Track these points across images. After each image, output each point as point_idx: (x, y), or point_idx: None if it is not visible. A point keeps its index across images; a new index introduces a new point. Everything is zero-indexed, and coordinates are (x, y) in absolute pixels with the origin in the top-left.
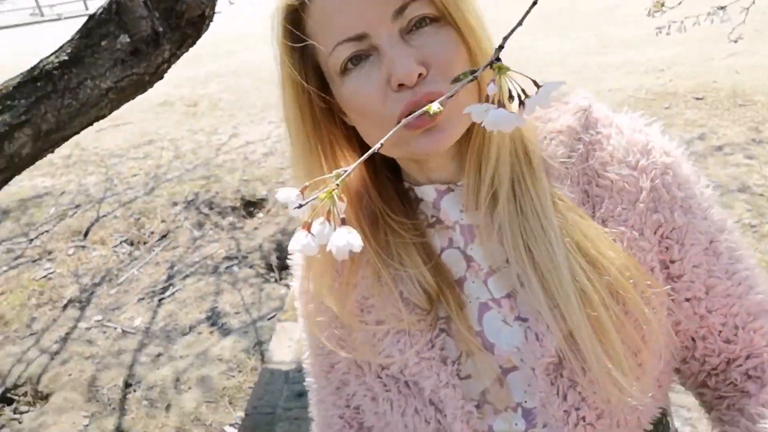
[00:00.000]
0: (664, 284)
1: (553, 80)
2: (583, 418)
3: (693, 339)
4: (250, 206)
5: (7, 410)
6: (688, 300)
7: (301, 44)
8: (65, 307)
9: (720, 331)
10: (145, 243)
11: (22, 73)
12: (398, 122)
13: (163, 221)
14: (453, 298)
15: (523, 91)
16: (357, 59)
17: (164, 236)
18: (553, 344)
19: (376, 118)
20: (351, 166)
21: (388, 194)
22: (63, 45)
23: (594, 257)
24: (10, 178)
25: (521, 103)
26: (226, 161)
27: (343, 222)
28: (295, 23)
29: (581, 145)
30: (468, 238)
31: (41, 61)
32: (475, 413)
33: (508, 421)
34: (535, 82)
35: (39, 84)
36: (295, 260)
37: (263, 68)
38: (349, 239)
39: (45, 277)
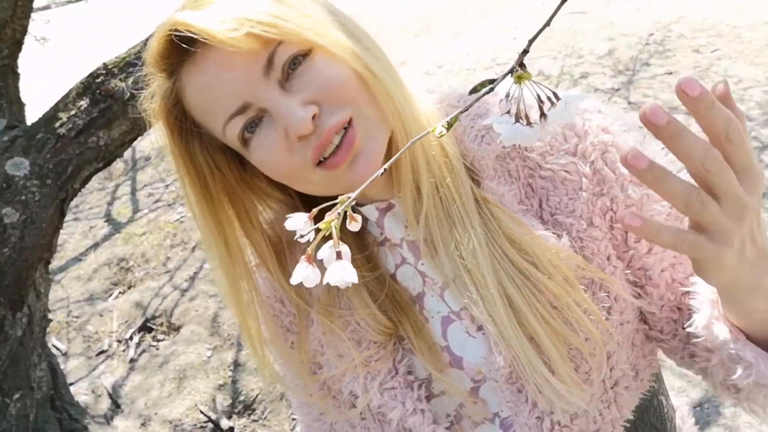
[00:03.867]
0: (629, 266)
1: (573, 93)
2: (558, 423)
3: (678, 308)
4: None
5: (148, 337)
6: (664, 270)
7: (189, 136)
8: (194, 249)
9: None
10: None
11: (141, 41)
12: (315, 165)
13: None
14: (409, 323)
15: (543, 101)
16: (251, 127)
17: None
18: (503, 355)
19: (292, 174)
20: (354, 193)
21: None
22: None
23: (523, 266)
24: (134, 139)
25: (542, 114)
26: None
27: (339, 255)
28: (178, 120)
29: None
30: (416, 255)
31: (142, 49)
32: None
33: None
34: (555, 94)
35: None
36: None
37: None
38: (343, 276)
39: (178, 220)
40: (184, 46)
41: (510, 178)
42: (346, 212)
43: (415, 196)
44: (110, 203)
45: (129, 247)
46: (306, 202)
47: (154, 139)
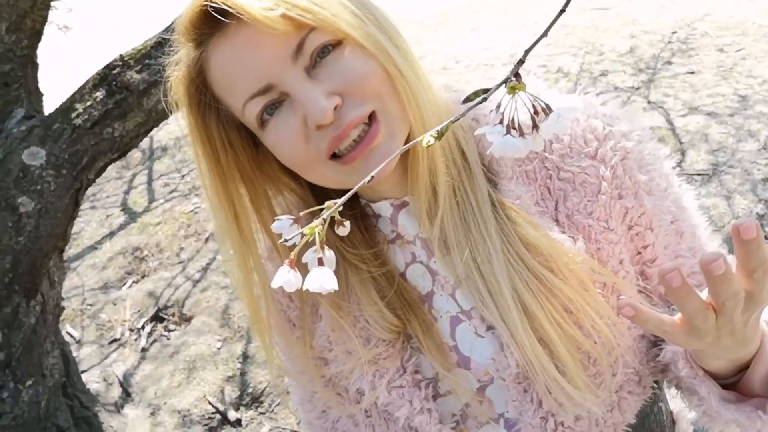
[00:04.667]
0: (637, 272)
1: (566, 105)
2: (562, 423)
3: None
4: None
5: (159, 327)
6: (658, 284)
7: (206, 108)
8: (207, 240)
9: None
10: None
11: (158, 33)
12: (334, 156)
13: None
14: (418, 322)
15: (537, 112)
16: (271, 108)
17: None
18: (514, 356)
19: (305, 162)
20: (341, 200)
21: None
22: None
23: (538, 270)
24: (149, 131)
25: (535, 125)
26: None
27: (320, 262)
28: (199, 91)
29: None
30: (429, 252)
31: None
32: None
33: None
34: (547, 106)
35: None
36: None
37: None
38: (322, 282)
39: (192, 211)
40: (217, 17)
41: (527, 179)
42: (333, 217)
43: (430, 197)
44: (127, 192)
45: (144, 236)
46: (315, 191)
47: (172, 129)
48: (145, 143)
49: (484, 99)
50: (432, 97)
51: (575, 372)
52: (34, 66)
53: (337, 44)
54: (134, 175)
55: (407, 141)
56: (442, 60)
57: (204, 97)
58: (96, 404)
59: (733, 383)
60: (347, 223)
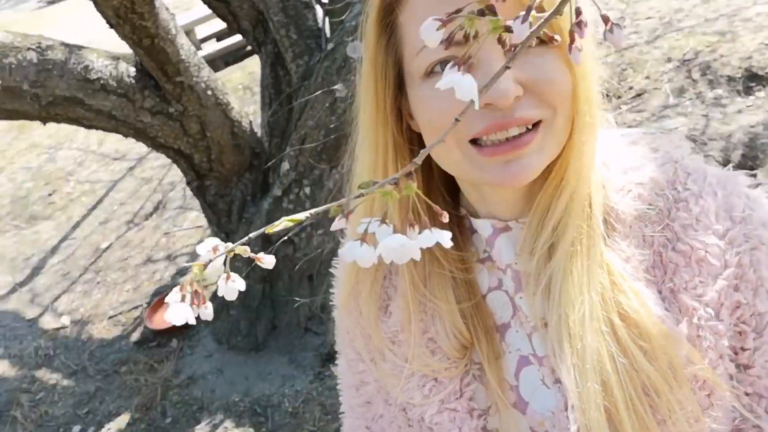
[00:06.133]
0: (729, 376)
1: (444, 233)
2: None
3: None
4: (753, 80)
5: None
6: (747, 395)
7: (384, 30)
8: None
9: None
10: (619, 98)
11: None
12: (475, 142)
13: (647, 77)
14: (488, 348)
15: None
16: (445, 65)
17: (639, 95)
18: (577, 423)
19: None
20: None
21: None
22: None
23: (628, 345)
24: None
25: (412, 225)
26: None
27: (195, 299)
28: (390, 8)
29: (662, 201)
30: (518, 286)
31: None
32: None
33: None
34: (429, 210)
35: None
36: (337, 272)
37: None
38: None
39: None
40: None
41: (643, 243)
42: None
43: (548, 234)
44: None
45: None
46: (428, 180)
47: None
48: None
49: (370, 191)
50: (594, 138)
51: None
52: None
53: (545, 42)
54: None
55: (552, 167)
56: None
57: (390, 17)
58: None
59: None
60: (236, 278)
